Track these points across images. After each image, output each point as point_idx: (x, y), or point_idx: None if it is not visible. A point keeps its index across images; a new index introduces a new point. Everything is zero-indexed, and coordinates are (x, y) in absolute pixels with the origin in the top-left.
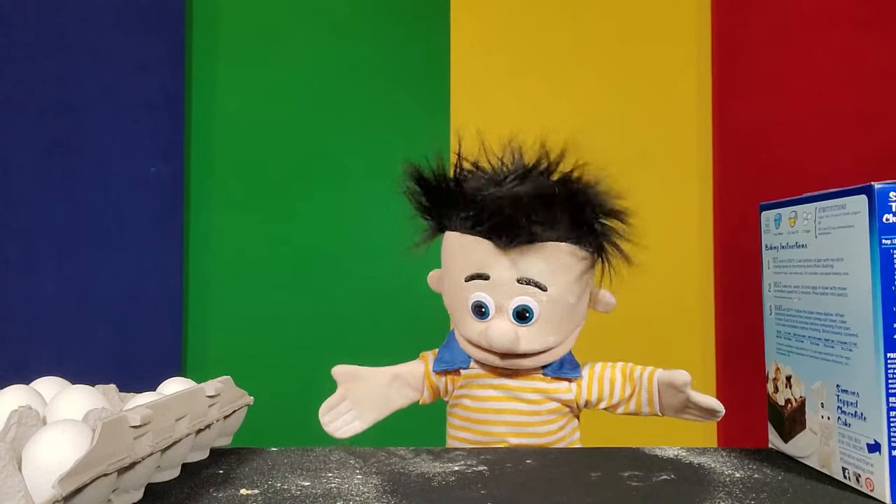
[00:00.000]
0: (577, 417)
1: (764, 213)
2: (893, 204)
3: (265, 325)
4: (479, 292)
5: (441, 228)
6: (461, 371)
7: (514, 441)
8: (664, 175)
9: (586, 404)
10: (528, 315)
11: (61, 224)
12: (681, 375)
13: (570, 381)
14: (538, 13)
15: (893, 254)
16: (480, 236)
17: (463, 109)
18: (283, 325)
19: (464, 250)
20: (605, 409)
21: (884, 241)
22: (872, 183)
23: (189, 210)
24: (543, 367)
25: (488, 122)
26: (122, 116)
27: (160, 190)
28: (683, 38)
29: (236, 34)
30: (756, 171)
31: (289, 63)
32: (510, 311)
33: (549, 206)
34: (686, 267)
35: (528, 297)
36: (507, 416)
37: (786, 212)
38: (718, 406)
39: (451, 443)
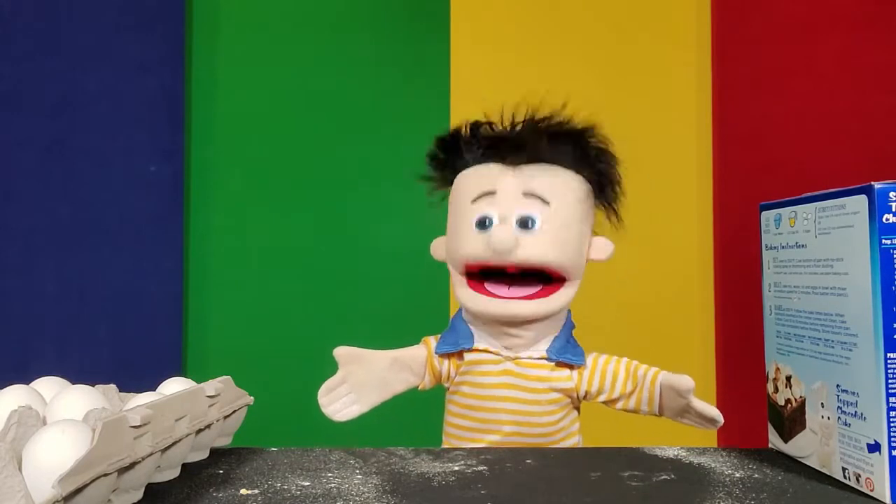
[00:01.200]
0: (578, 409)
1: (764, 213)
2: (893, 204)
3: (265, 324)
4: (484, 208)
5: (453, 175)
6: (464, 355)
7: (512, 430)
8: (664, 175)
9: (586, 395)
10: (530, 224)
11: (61, 224)
12: (685, 381)
13: (572, 367)
14: (538, 13)
15: (893, 254)
16: (490, 161)
17: (463, 109)
18: (284, 324)
19: (473, 178)
20: (603, 402)
21: (884, 241)
22: (872, 183)
23: (189, 210)
24: (546, 349)
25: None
26: (122, 116)
27: (160, 189)
28: (683, 38)
29: (236, 34)
30: (756, 171)
31: (289, 63)
32: (513, 221)
33: (554, 134)
34: (686, 267)
35: (531, 209)
36: (507, 403)
37: (786, 212)
38: (718, 416)
39: (447, 430)
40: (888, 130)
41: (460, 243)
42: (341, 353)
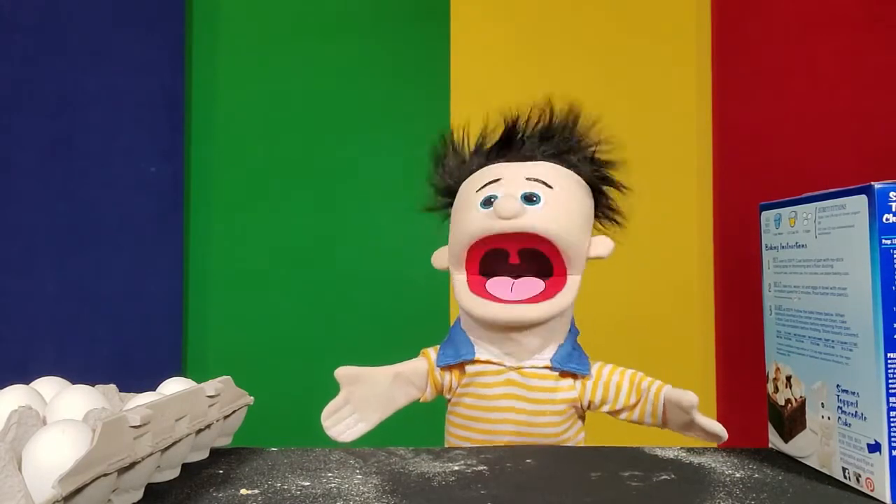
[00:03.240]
0: (582, 418)
1: (764, 213)
2: (893, 204)
3: (265, 325)
4: (489, 191)
5: (457, 186)
6: (466, 367)
7: (515, 440)
8: (664, 175)
9: (590, 405)
10: (535, 199)
11: (61, 224)
12: (688, 397)
13: (576, 377)
14: (538, 13)
15: (893, 254)
16: (493, 161)
17: (463, 108)
18: (283, 325)
19: (477, 175)
20: (607, 412)
21: (884, 241)
22: (872, 183)
23: (189, 210)
24: (551, 358)
25: (487, 121)
26: (122, 116)
27: (160, 190)
28: (683, 38)
29: (236, 34)
30: (756, 171)
31: (289, 63)
32: (518, 196)
33: (550, 137)
34: (686, 267)
35: (535, 189)
36: (510, 414)
37: (786, 212)
38: (722, 431)
39: (449, 440)
40: (888, 130)
41: (465, 225)
42: (342, 374)
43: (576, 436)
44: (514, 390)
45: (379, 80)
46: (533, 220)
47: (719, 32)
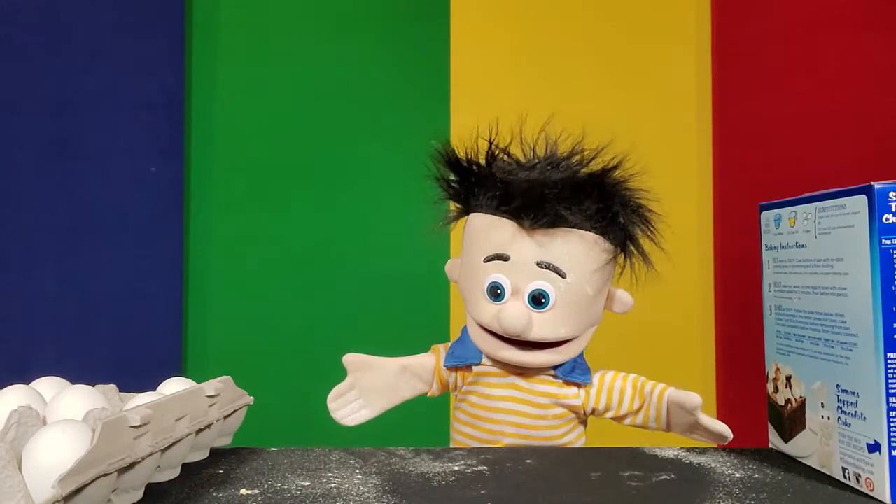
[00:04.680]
0: (584, 424)
1: (764, 213)
2: (893, 204)
3: (265, 324)
4: (496, 273)
5: (466, 211)
6: (472, 367)
7: (516, 442)
8: (664, 175)
9: (593, 412)
10: (543, 300)
11: (61, 224)
12: (692, 399)
13: (579, 386)
14: (538, 13)
15: (893, 254)
16: (505, 216)
17: (463, 108)
18: (284, 324)
19: (486, 231)
20: (612, 418)
21: (884, 241)
22: (872, 183)
23: (189, 210)
24: (555, 367)
25: (488, 121)
26: (122, 116)
27: (160, 190)
28: (683, 38)
29: (236, 34)
30: (756, 171)
31: (289, 62)
32: (526, 295)
33: (577, 192)
34: (686, 268)
35: (545, 282)
36: (512, 416)
37: (786, 212)
38: (726, 431)
39: (454, 436)
40: (888, 130)
41: (474, 308)
42: (350, 359)
43: (577, 440)
44: (515, 393)
45: (379, 80)
46: (541, 333)
47: (719, 32)
